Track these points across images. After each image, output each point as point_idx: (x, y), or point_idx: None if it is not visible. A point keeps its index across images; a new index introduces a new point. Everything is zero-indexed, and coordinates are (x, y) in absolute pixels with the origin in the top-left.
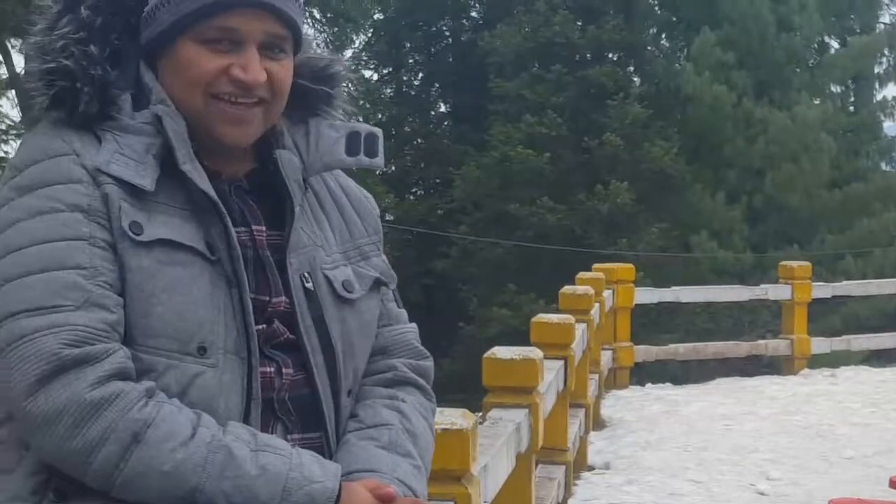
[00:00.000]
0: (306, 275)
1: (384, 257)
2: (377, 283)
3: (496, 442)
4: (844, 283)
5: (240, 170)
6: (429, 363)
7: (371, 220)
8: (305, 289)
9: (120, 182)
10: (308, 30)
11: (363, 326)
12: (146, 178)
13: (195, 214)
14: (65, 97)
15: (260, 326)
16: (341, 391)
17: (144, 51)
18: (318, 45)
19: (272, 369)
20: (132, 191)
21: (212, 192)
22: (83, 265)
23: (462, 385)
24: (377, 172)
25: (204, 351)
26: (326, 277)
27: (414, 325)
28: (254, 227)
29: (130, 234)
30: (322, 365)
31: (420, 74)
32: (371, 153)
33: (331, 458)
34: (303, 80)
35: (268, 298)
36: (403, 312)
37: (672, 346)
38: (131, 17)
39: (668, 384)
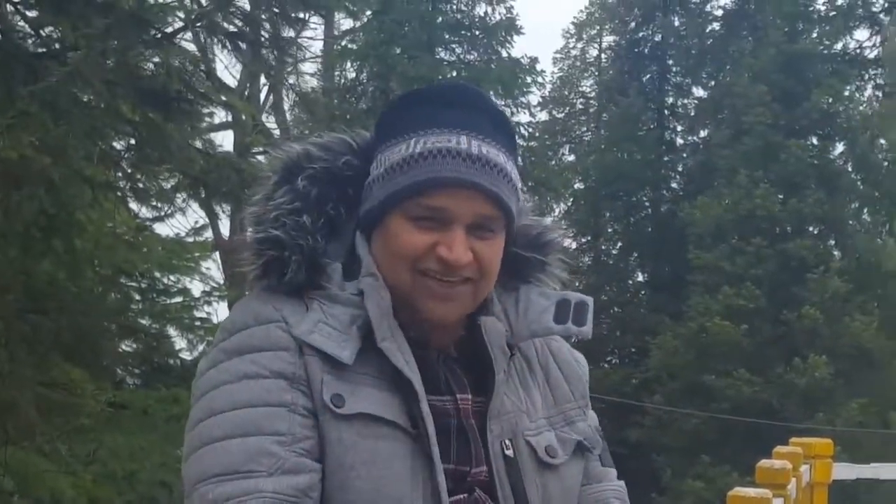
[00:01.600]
0: (507, 441)
1: (593, 420)
2: (580, 448)
3: None
4: None
5: (449, 338)
6: None
7: (579, 384)
8: (506, 456)
9: (321, 353)
10: (526, 200)
11: (565, 493)
12: (346, 351)
13: (399, 388)
14: (274, 266)
15: (460, 496)
16: None
17: (362, 223)
18: (533, 213)
19: None
20: (334, 362)
21: (406, 371)
22: (282, 432)
23: None
24: (572, 339)
25: None
26: (528, 443)
27: (620, 483)
28: (458, 396)
29: (332, 406)
30: None
31: (619, 244)
32: (579, 322)
33: None
34: (516, 247)
35: (468, 469)
36: (611, 471)
37: None
38: (349, 188)
39: None
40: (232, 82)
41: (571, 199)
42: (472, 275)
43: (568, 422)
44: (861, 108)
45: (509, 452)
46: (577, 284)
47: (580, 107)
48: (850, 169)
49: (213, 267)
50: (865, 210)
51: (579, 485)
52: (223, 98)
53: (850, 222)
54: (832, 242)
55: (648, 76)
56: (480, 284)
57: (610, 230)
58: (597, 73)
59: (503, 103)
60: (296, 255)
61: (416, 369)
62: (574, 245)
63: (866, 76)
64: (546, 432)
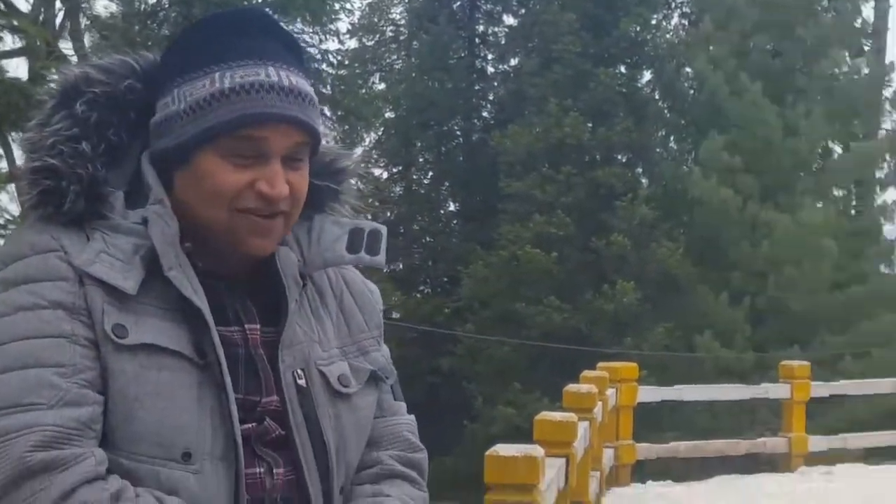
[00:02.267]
0: (299, 371)
1: (385, 351)
2: (374, 378)
3: None
4: (842, 382)
5: (239, 267)
6: (420, 455)
7: (373, 314)
8: (298, 385)
9: (103, 283)
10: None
11: (358, 422)
12: (129, 281)
13: (186, 317)
14: (51, 195)
15: (250, 425)
16: (333, 489)
17: (160, 156)
18: (327, 140)
19: (262, 469)
20: (117, 292)
21: (195, 300)
22: (62, 363)
23: (465, 483)
24: (384, 270)
25: (189, 457)
26: (321, 373)
27: (411, 417)
28: (247, 326)
29: (114, 337)
30: (313, 462)
31: (430, 173)
32: (373, 251)
33: None
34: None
35: (258, 398)
36: (402, 405)
37: (673, 444)
38: (131, 112)
39: (668, 481)
40: (25, 7)
41: (382, 129)
42: (286, 207)
43: (362, 352)
44: (668, 36)
45: (301, 382)
46: (388, 214)
47: (390, 34)
48: (657, 97)
49: (5, 199)
50: (672, 138)
51: (372, 416)
52: (14, 22)
53: (658, 150)
54: (640, 170)
55: (459, 3)
56: (292, 215)
57: (421, 160)
58: (407, 1)
59: (311, 30)
60: (74, 185)
61: (204, 298)
62: (385, 175)
63: (672, 4)
64: (339, 362)
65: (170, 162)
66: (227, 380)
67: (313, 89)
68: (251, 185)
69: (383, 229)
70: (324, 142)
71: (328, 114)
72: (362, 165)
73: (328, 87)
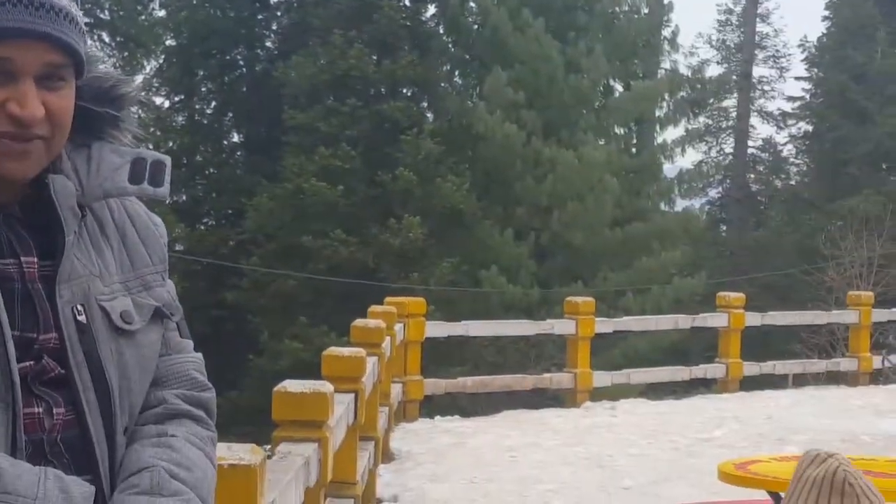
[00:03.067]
0: (79, 307)
1: (171, 287)
2: (158, 314)
3: (285, 477)
4: (625, 318)
5: (11, 196)
6: (208, 394)
7: (157, 248)
8: (77, 322)
9: None
10: (93, 48)
11: (142, 360)
12: None
13: None
14: None
15: (27, 363)
16: (116, 430)
17: None
18: (105, 64)
19: (41, 409)
20: None
21: None
22: None
23: (252, 418)
24: (167, 201)
25: None
26: (102, 308)
27: (197, 355)
28: (23, 259)
29: None
30: (94, 402)
31: (213, 103)
32: (156, 182)
33: (105, 502)
34: (85, 101)
35: (35, 335)
36: (188, 343)
37: (461, 379)
38: None
39: (456, 417)
40: None
41: (163, 57)
42: (44, 132)
43: (146, 287)
44: None
45: (81, 318)
46: (170, 144)
47: None
48: (441, 31)
49: None
50: (457, 73)
51: (157, 353)
52: None
53: (443, 85)
54: (425, 104)
55: None
56: (54, 140)
57: (204, 89)
58: None
59: None
60: None
61: None
62: (167, 104)
63: None
64: (122, 297)
65: None
66: (3, 316)
67: (84, 12)
68: (1, 106)
69: (167, 160)
70: (102, 67)
71: (106, 40)
72: (143, 93)
73: (105, 12)
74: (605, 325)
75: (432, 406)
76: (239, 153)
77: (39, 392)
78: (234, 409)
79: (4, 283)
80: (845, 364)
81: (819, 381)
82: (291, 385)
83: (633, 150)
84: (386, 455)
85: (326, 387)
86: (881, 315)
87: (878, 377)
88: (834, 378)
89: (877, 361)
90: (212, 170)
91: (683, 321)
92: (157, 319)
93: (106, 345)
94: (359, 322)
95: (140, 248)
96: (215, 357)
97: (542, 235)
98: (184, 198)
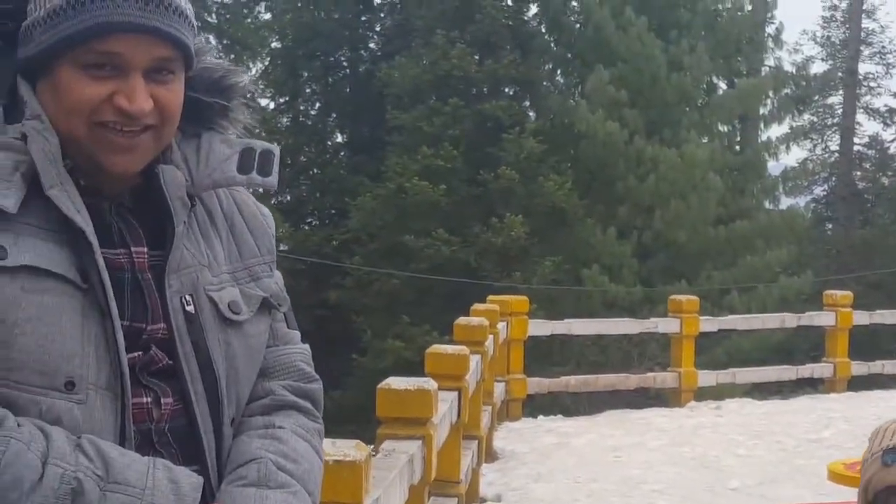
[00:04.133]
0: (188, 297)
1: (278, 278)
2: (266, 305)
3: (389, 474)
4: (730, 317)
5: (124, 186)
6: (315, 386)
7: (265, 238)
8: (186, 312)
9: None
10: (203, 39)
11: (250, 351)
12: (9, 199)
13: (69, 239)
14: None
15: (135, 354)
16: (224, 420)
17: (22, 65)
18: (215, 54)
19: (149, 399)
20: None
21: (78, 220)
22: None
23: (355, 417)
24: (271, 201)
25: (72, 386)
26: (210, 299)
27: (305, 346)
28: (133, 249)
29: None
30: (202, 393)
31: (317, 104)
32: (265, 172)
33: (213, 492)
34: (196, 92)
35: (144, 325)
36: (295, 334)
37: (563, 378)
38: (9, 22)
39: (559, 416)
40: None
41: (268, 59)
42: (154, 122)
43: (253, 277)
44: None
45: (190, 308)
46: (275, 146)
47: None
48: (543, 31)
49: None
50: (559, 71)
51: (265, 344)
52: None
53: (544, 83)
54: (527, 103)
55: None
56: (162, 132)
57: (308, 90)
58: None
59: None
60: None
61: (88, 218)
62: (272, 105)
63: None
64: (230, 287)
65: (33, 72)
66: (113, 305)
67: (194, 12)
68: (110, 99)
69: (276, 149)
70: (211, 58)
71: (213, 42)
72: (252, 84)
73: (213, 16)
74: (709, 324)
75: (535, 405)
76: (342, 153)
77: (147, 382)
78: (337, 408)
79: (115, 272)
80: None
81: None
82: (395, 382)
83: (737, 147)
84: (489, 454)
85: (430, 384)
86: None
87: None
88: None
89: None
90: (316, 170)
91: (790, 320)
92: (264, 310)
93: (214, 335)
94: (462, 320)
95: (248, 238)
96: (319, 356)
97: (644, 234)
98: (288, 198)
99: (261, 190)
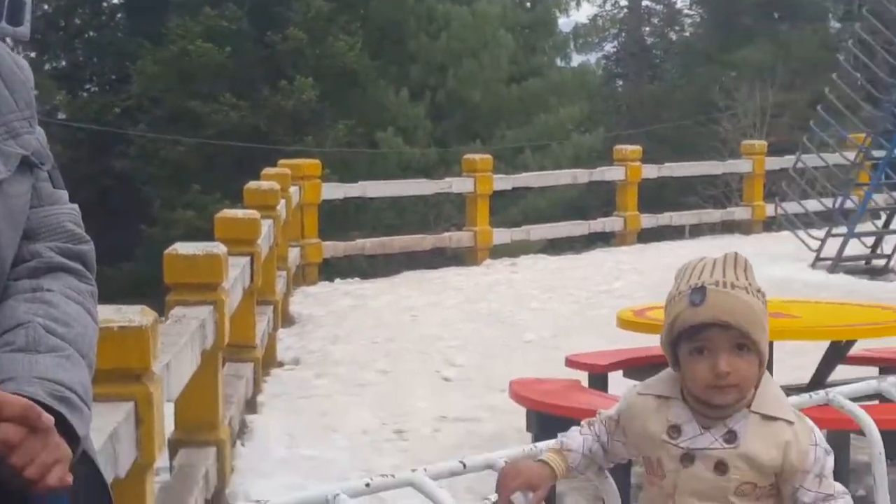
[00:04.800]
0: None
1: (40, 134)
2: (27, 164)
3: (180, 339)
4: (523, 174)
5: None
6: (86, 247)
7: (23, 92)
8: None
9: None
10: None
11: (10, 212)
12: None
13: None
14: None
15: None
16: None
17: None
18: None
19: None
20: None
21: None
22: None
23: (146, 289)
24: (45, 67)
25: None
26: None
27: (73, 206)
28: None
29: None
30: None
31: None
32: (16, 21)
33: None
34: None
35: None
36: (62, 193)
37: (359, 241)
38: None
39: (356, 279)
40: None
41: None
42: None
43: (12, 134)
44: None
45: None
46: (45, 7)
47: None
48: None
49: None
50: None
51: (27, 205)
52: None
53: None
54: None
55: None
56: None
57: None
58: None
59: None
60: None
61: None
62: None
63: None
64: None
65: None
66: None
67: None
68: None
69: None
70: None
71: None
72: None
73: None
74: (503, 182)
75: (331, 270)
76: (119, 15)
77: None
78: (127, 280)
79: None
80: (739, 213)
81: (715, 231)
82: (183, 248)
83: (528, 4)
84: (286, 319)
85: (220, 248)
86: (774, 163)
87: (770, 225)
88: (729, 227)
89: (770, 209)
90: (91, 33)
91: (581, 175)
92: (25, 169)
93: None
94: (252, 184)
95: (3, 91)
96: (105, 228)
97: (438, 94)
98: (63, 63)
99: (9, 41)
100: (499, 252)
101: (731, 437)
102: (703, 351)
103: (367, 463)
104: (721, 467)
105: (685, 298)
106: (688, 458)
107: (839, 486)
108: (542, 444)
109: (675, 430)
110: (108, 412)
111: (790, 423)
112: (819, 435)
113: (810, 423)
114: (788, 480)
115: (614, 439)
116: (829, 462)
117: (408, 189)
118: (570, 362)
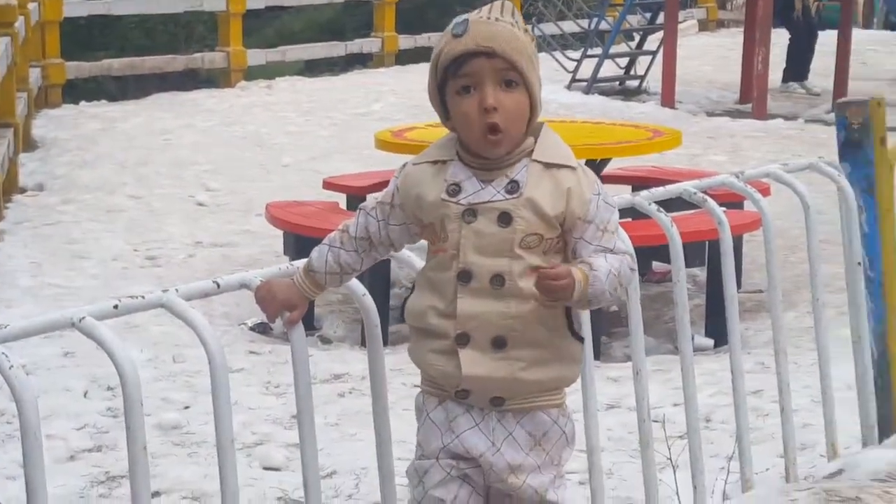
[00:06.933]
0: None
1: None
2: None
3: None
4: None
5: None
6: None
7: None
8: None
9: None
10: None
11: None
12: None
13: None
14: None
15: None
16: None
17: None
18: None
19: None
20: None
21: None
22: None
23: None
24: None
25: None
26: None
27: None
28: None
29: None
30: None
31: None
32: None
33: None
34: None
35: None
36: None
37: (106, 61)
38: None
39: (104, 102)
40: None
41: None
42: None
43: None
44: None
45: None
46: None
47: None
48: None
49: None
50: None
51: None
52: None
53: None
54: None
55: None
56: None
57: None
58: None
59: None
60: None
61: None
62: None
63: None
64: None
65: None
66: None
67: None
68: None
69: None
70: None
71: None
72: None
73: None
74: (256, 1)
75: (76, 92)
76: None
77: None
78: None
79: None
80: None
81: None
82: None
83: None
84: (28, 143)
85: None
86: None
87: None
88: None
89: None
90: None
91: None
92: None
93: None
94: None
95: None
96: None
97: None
98: None
99: None
100: (254, 74)
101: (513, 187)
102: (470, 89)
103: (119, 291)
104: (505, 218)
105: (448, 33)
106: (470, 212)
107: (622, 245)
108: (299, 263)
109: (454, 188)
110: None
111: (573, 169)
112: (603, 188)
113: (593, 174)
114: (570, 230)
115: (390, 223)
116: (613, 217)
117: (157, 7)
118: (328, 185)
